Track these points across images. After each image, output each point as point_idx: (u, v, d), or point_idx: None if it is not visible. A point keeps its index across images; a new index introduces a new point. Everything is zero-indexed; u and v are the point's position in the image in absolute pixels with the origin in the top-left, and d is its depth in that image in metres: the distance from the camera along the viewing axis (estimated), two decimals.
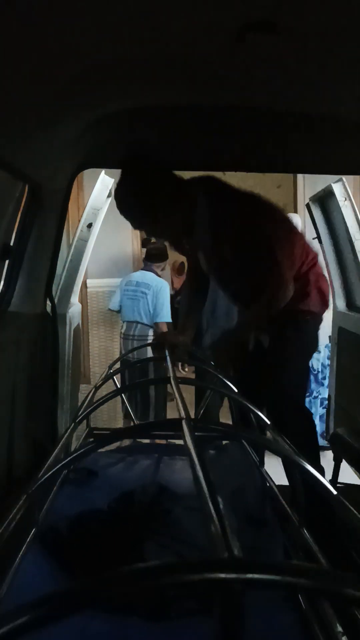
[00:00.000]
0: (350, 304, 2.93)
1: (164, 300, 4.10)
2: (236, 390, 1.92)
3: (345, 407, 2.85)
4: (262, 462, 1.75)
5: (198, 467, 0.86)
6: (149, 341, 3.90)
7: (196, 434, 1.03)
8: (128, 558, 1.17)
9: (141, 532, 1.25)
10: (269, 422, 1.62)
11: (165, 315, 4.09)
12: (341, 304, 2.97)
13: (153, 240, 4.57)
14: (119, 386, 2.35)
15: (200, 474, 0.83)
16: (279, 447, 1.10)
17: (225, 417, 3.44)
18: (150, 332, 4.07)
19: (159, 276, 4.22)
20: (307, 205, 3.01)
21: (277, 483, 1.61)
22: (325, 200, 2.81)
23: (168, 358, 1.96)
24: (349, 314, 2.86)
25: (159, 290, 4.09)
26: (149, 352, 3.88)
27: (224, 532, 0.65)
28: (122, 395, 2.44)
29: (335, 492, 1.00)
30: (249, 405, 1.62)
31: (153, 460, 1.82)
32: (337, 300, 2.98)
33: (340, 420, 2.91)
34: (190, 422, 1.08)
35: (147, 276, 4.18)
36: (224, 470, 1.69)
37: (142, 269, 4.36)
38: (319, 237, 2.99)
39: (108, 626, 1.04)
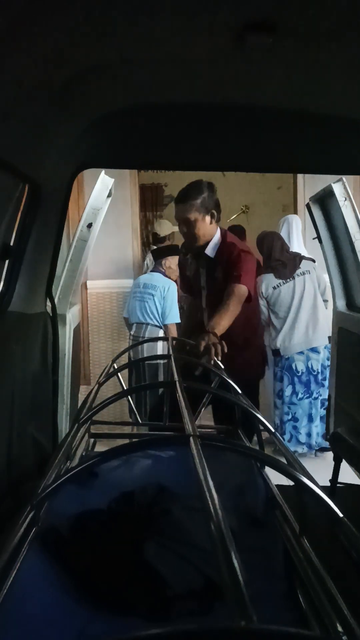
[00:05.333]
0: (350, 304, 2.93)
1: (171, 302, 4.05)
2: (241, 392, 1.92)
3: (345, 407, 2.85)
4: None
5: (207, 494, 0.86)
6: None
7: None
8: (128, 559, 1.17)
9: (141, 532, 1.24)
10: (272, 429, 1.62)
11: (174, 316, 4.04)
12: (341, 304, 2.96)
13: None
14: (123, 384, 2.36)
15: (211, 506, 0.83)
16: (286, 468, 1.09)
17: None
18: (161, 333, 4.05)
19: (167, 276, 4.19)
20: (307, 206, 3.01)
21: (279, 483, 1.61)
22: (325, 200, 2.81)
23: (173, 360, 1.96)
24: (349, 313, 2.86)
25: (166, 291, 4.04)
26: (159, 352, 3.89)
27: (242, 593, 0.64)
28: (129, 396, 2.44)
29: (341, 515, 1.00)
30: (254, 412, 1.62)
31: (153, 460, 1.82)
32: (337, 300, 2.98)
33: (340, 420, 2.90)
34: (197, 440, 1.08)
35: (155, 277, 4.16)
36: (226, 470, 1.69)
37: (151, 271, 4.35)
38: (319, 237, 2.98)
39: (108, 627, 1.04)
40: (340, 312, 2.95)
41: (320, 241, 2.98)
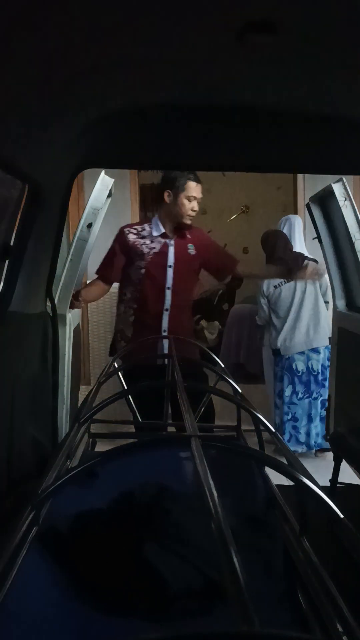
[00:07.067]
0: (350, 304, 2.93)
1: None
2: (240, 392, 1.92)
3: (345, 407, 2.85)
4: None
5: (208, 494, 0.86)
6: None
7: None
8: (128, 558, 1.17)
9: (141, 532, 1.24)
10: (273, 429, 1.62)
11: None
12: (341, 304, 2.97)
13: None
14: (124, 383, 2.36)
15: (211, 506, 0.83)
16: (286, 468, 1.10)
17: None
18: None
19: None
20: (307, 206, 3.01)
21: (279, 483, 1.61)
22: (325, 200, 2.81)
23: (174, 359, 1.95)
24: (349, 314, 2.86)
25: None
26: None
27: (243, 596, 0.64)
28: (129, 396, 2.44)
29: (342, 516, 1.00)
30: (254, 412, 1.62)
31: (153, 460, 1.81)
32: (337, 300, 2.98)
33: (340, 421, 2.90)
34: (198, 440, 1.08)
35: None
36: (226, 470, 1.69)
37: None
38: (319, 237, 2.98)
39: (108, 627, 1.04)
40: (340, 312, 2.95)
41: (320, 241, 2.97)
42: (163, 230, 2.87)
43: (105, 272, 2.94)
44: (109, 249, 2.94)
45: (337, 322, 2.99)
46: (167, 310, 2.87)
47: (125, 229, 2.91)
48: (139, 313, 2.93)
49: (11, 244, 1.94)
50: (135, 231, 2.90)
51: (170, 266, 2.86)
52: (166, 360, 2.78)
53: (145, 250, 2.85)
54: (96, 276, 3.01)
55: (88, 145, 1.98)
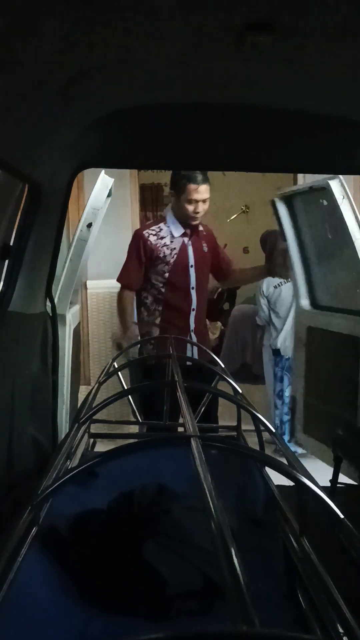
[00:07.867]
0: (314, 303, 2.92)
1: None
2: (241, 392, 1.92)
3: (319, 406, 2.82)
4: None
5: (208, 494, 0.86)
6: None
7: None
8: (128, 559, 1.17)
9: (141, 532, 1.24)
10: (273, 430, 1.62)
11: None
12: (306, 303, 2.95)
13: None
14: (123, 382, 2.36)
15: (211, 506, 0.83)
16: (286, 468, 1.09)
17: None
18: None
19: None
20: (272, 202, 2.98)
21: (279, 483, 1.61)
22: (291, 198, 2.82)
23: (174, 359, 1.95)
24: (318, 312, 2.85)
25: None
26: None
27: (243, 595, 0.64)
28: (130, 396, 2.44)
29: (342, 516, 1.00)
30: (254, 412, 1.62)
31: (153, 460, 1.81)
32: (301, 300, 2.96)
33: (312, 422, 2.89)
34: (198, 440, 1.08)
35: None
36: (226, 470, 1.69)
37: None
38: (283, 235, 2.98)
39: (108, 626, 1.04)
40: (308, 311, 2.93)
41: (284, 239, 2.97)
42: (183, 230, 2.85)
43: (131, 279, 2.93)
44: (129, 256, 2.90)
45: (305, 322, 2.96)
46: (193, 310, 2.88)
47: (143, 232, 2.88)
48: (166, 314, 2.89)
49: (11, 244, 1.94)
50: (153, 232, 2.86)
51: (191, 266, 2.86)
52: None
53: (167, 251, 2.83)
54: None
55: (88, 145, 1.98)
